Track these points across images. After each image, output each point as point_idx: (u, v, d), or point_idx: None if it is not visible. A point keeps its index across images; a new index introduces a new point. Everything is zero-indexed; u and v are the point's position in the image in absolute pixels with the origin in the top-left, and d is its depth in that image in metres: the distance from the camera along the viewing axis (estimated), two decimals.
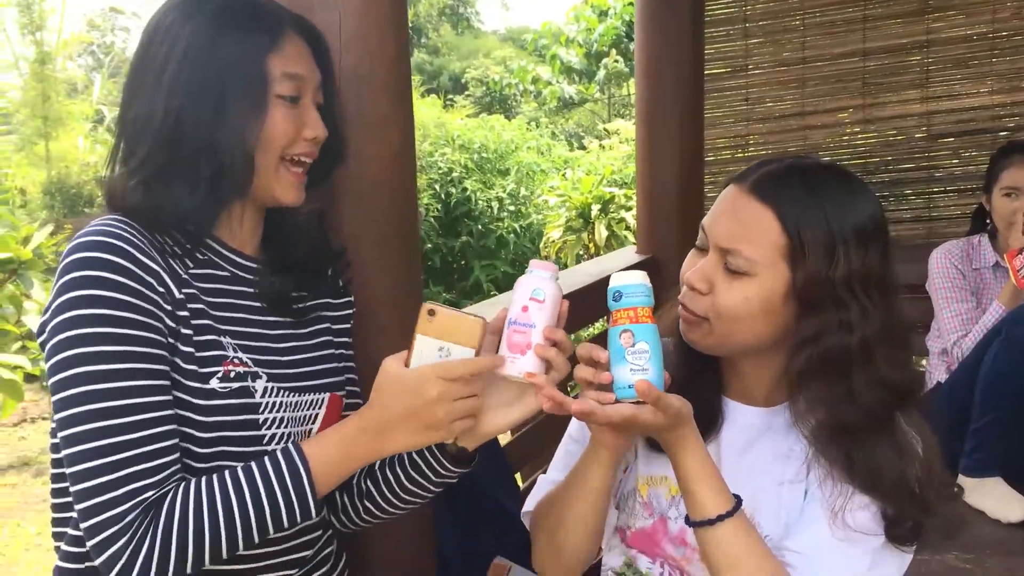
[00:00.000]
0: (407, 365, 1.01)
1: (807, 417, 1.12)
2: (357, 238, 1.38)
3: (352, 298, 1.30)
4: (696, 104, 3.25)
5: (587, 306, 2.83)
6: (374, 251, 1.40)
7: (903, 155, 3.54)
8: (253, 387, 1.08)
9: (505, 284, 11.72)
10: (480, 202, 11.98)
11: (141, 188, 1.05)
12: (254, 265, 1.16)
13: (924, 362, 3.03)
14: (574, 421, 1.31)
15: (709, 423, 1.20)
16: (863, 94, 3.53)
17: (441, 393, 0.98)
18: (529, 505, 1.28)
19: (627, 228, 9.79)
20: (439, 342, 1.00)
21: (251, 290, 1.15)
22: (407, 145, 1.44)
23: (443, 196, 11.98)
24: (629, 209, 9.81)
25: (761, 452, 1.19)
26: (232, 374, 1.07)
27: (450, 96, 21.49)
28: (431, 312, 1.00)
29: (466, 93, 23.72)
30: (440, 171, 12.05)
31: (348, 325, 1.29)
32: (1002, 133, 3.29)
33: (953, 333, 2.72)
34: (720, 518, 1.06)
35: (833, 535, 1.08)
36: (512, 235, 12.03)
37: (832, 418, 1.10)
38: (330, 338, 1.24)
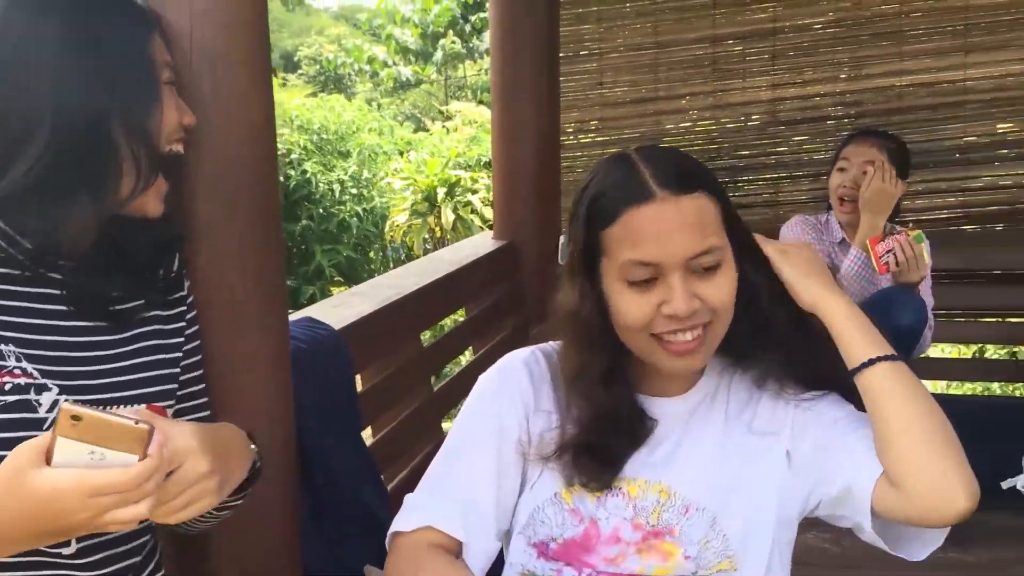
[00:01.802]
0: (48, 461, 0.80)
1: (772, 379, 1.17)
2: (215, 225, 1.24)
3: (186, 293, 1.17)
4: (552, 86, 3.21)
5: (447, 297, 2.75)
6: (234, 238, 1.27)
7: (752, 140, 3.62)
8: (37, 401, 0.96)
9: (348, 269, 11.47)
10: (321, 185, 11.67)
11: (34, 199, 0.94)
12: (61, 263, 1.01)
13: None
14: (467, 429, 1.21)
15: (640, 427, 1.16)
16: (714, 80, 3.59)
17: (88, 508, 0.80)
18: (398, 524, 1.16)
19: (473, 212, 9.76)
20: (90, 447, 0.80)
21: (56, 291, 1.01)
22: (268, 123, 1.32)
23: (282, 179, 11.60)
24: (476, 192, 9.78)
25: (702, 438, 1.18)
26: (8, 386, 0.95)
27: (283, 75, 20.88)
28: (75, 417, 0.79)
29: (299, 72, 23.12)
30: (278, 153, 11.67)
31: (183, 324, 1.16)
32: (845, 120, 3.40)
33: (849, 287, 2.75)
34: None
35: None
36: (355, 219, 11.79)
37: (792, 360, 1.16)
38: (158, 342, 1.11)
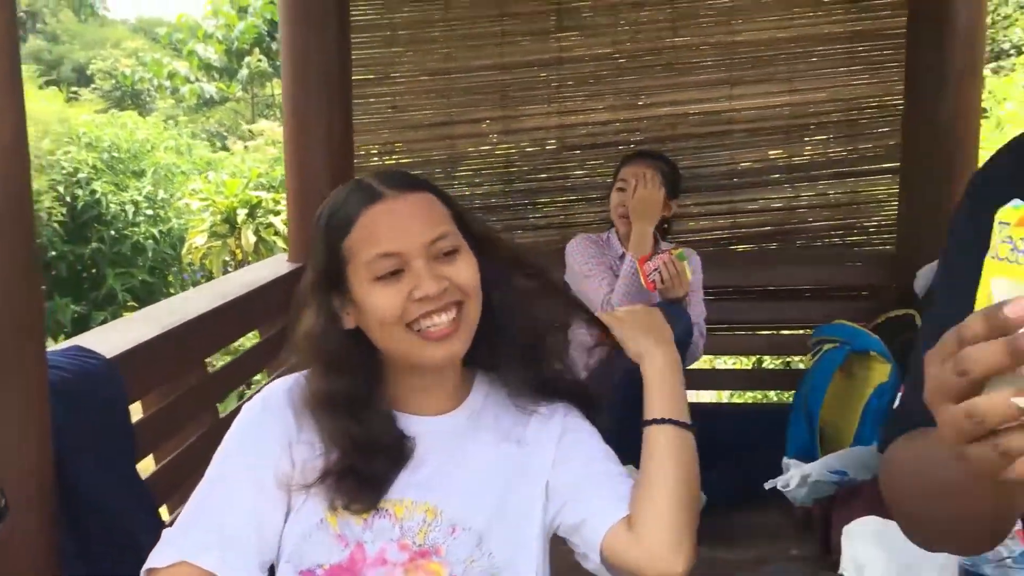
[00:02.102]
0: None
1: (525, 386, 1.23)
2: None
3: None
4: (344, 108, 3.21)
5: (239, 320, 2.70)
6: None
7: (540, 165, 3.74)
8: None
9: (145, 293, 10.93)
10: (112, 205, 11.08)
11: None
12: None
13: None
14: (242, 436, 1.19)
15: (400, 448, 1.17)
16: (503, 106, 3.69)
17: None
18: (152, 560, 1.11)
19: (276, 234, 9.55)
20: None
21: None
22: (18, 141, 1.26)
23: (68, 199, 10.92)
24: (278, 214, 9.57)
25: (469, 456, 1.20)
26: None
27: (74, 89, 19.73)
28: None
29: (92, 86, 21.89)
30: (64, 172, 10.97)
31: None
32: (627, 146, 3.58)
33: (600, 292, 2.90)
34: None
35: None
36: (151, 241, 11.26)
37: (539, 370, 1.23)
38: None
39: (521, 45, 3.64)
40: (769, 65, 3.55)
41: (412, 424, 1.20)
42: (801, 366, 4.85)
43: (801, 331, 3.60)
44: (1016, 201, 0.63)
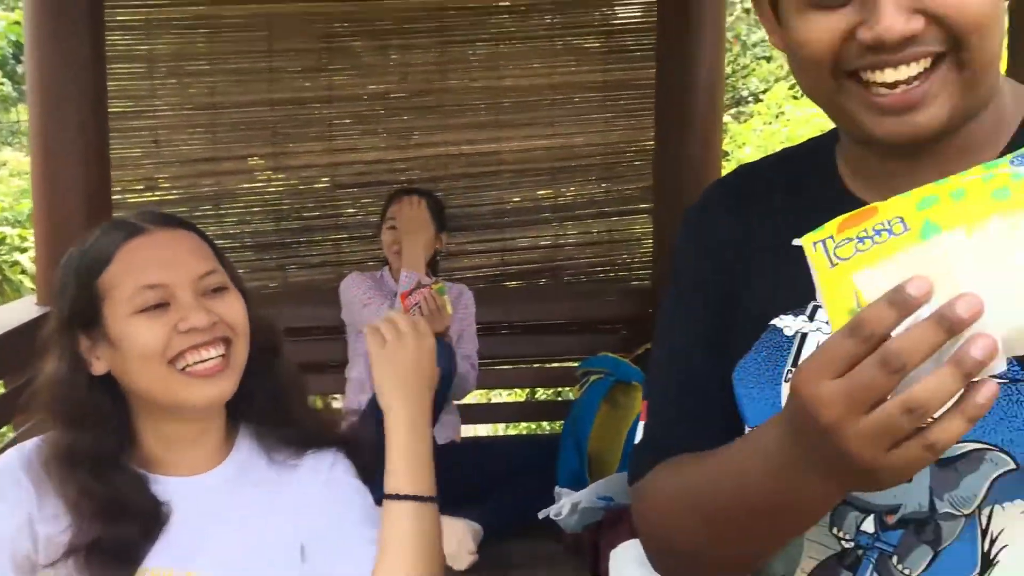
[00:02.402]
0: None
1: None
2: None
3: None
4: (100, 140, 3.05)
5: None
6: None
7: (311, 203, 3.71)
8: None
9: None
10: None
11: None
12: None
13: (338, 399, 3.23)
14: None
15: (153, 514, 1.10)
16: (273, 143, 3.63)
17: None
18: None
19: (23, 272, 8.81)
20: None
21: None
22: None
23: None
24: (25, 251, 8.84)
25: (232, 518, 1.14)
26: None
27: None
28: None
29: None
30: None
31: None
32: (394, 185, 3.61)
33: (383, 315, 2.92)
34: None
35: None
36: None
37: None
38: None
39: (291, 81, 3.59)
40: (533, 110, 3.71)
41: (170, 486, 1.14)
42: (571, 396, 5.07)
43: (569, 363, 3.75)
44: (810, 235, 0.66)
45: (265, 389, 1.20)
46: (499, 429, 6.30)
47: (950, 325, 0.55)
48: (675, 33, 3.47)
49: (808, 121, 7.94)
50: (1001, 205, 0.59)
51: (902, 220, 0.61)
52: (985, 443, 0.77)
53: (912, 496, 0.81)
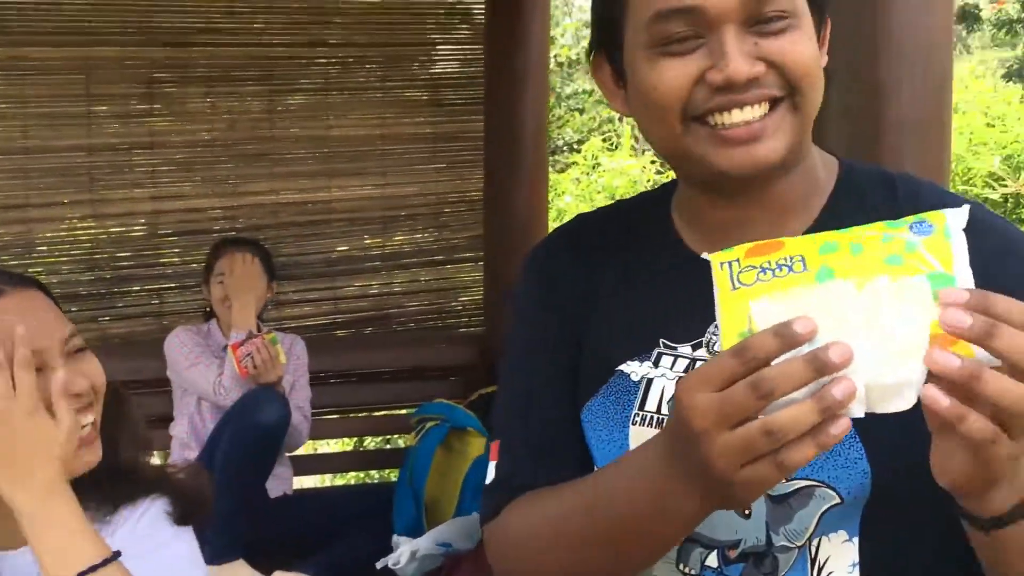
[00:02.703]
0: None
1: None
2: None
3: None
4: None
5: None
6: None
7: (132, 251, 3.57)
8: None
9: None
10: None
11: None
12: None
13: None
14: None
15: None
16: (91, 189, 3.48)
17: None
18: None
19: None
20: None
21: None
22: None
23: None
24: None
25: None
26: None
27: None
28: None
29: None
30: None
31: None
32: (219, 233, 3.53)
33: (209, 378, 2.89)
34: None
35: None
36: None
37: None
38: None
39: (110, 127, 3.47)
40: (363, 159, 3.74)
41: (4, 561, 1.08)
42: (401, 443, 5.05)
43: (402, 411, 3.77)
44: (721, 253, 0.72)
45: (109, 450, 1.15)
46: (325, 480, 6.18)
47: (820, 366, 0.62)
48: (501, 86, 3.61)
49: (623, 172, 8.35)
50: (890, 270, 0.66)
51: (803, 260, 0.68)
52: (814, 480, 0.86)
53: (751, 531, 0.89)
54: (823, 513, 0.86)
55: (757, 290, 0.68)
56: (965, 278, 0.66)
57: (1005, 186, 5.97)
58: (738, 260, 0.70)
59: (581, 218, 1.10)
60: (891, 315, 0.65)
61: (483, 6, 3.70)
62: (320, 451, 5.70)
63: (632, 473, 0.80)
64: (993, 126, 6.66)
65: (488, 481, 1.00)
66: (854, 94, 1.56)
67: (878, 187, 0.95)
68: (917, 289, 0.65)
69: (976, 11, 20.07)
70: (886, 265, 0.66)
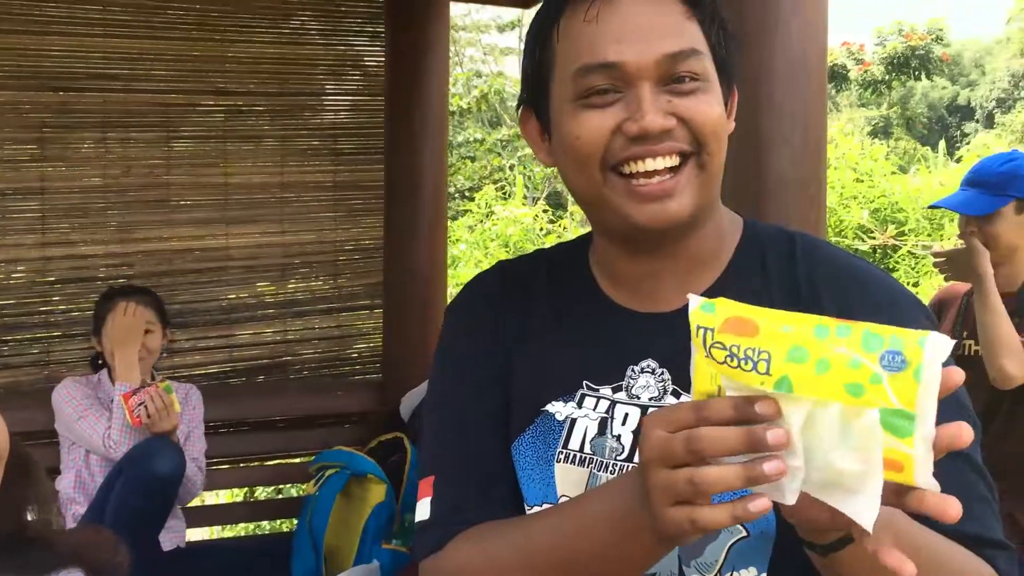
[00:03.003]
0: None
1: None
2: None
3: None
4: None
5: None
6: None
7: (19, 299, 3.46)
8: None
9: None
10: None
11: None
12: None
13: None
14: None
15: None
16: None
17: None
18: None
19: None
20: None
21: None
22: None
23: None
24: None
25: None
26: None
27: None
28: None
29: None
30: None
31: None
32: (111, 280, 3.46)
33: (98, 430, 2.83)
34: None
35: None
36: None
37: None
38: None
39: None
40: (263, 207, 3.74)
41: None
42: (294, 493, 4.98)
43: (298, 459, 3.73)
44: (694, 299, 0.73)
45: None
46: (214, 532, 6.01)
47: (755, 442, 0.67)
48: (401, 137, 3.67)
49: (516, 220, 8.51)
50: (848, 399, 0.66)
51: (768, 360, 0.68)
52: None
53: (665, 563, 0.95)
54: (731, 546, 0.94)
55: (724, 370, 0.71)
56: (927, 417, 0.66)
57: (873, 238, 6.36)
58: (712, 331, 0.71)
59: (503, 265, 1.16)
60: (838, 441, 0.67)
61: (380, 57, 3.77)
62: (208, 503, 5.55)
63: (603, 505, 0.85)
64: (862, 181, 7.09)
65: (423, 518, 1.02)
66: (740, 154, 1.69)
67: (779, 245, 1.04)
68: (867, 421, 0.66)
69: (844, 71, 21.29)
70: (845, 393, 0.67)
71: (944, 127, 28.18)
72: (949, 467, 0.83)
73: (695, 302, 0.73)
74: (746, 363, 0.69)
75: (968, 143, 18.54)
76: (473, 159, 13.28)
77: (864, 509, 0.67)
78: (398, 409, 3.44)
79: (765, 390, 0.68)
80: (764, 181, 1.77)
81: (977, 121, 26.37)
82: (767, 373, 0.68)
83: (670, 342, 0.95)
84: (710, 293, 0.89)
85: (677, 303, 0.96)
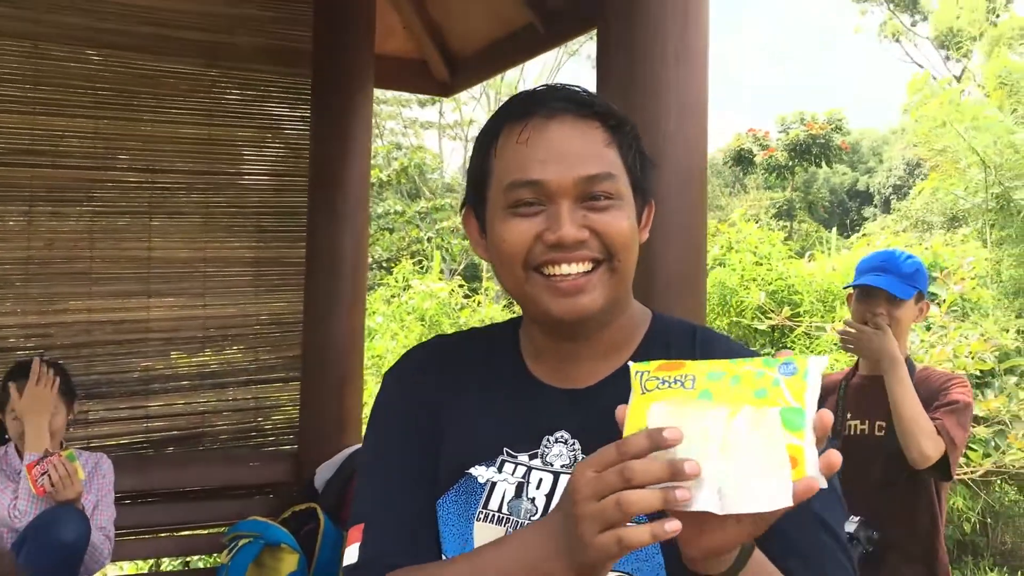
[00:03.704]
0: None
1: None
2: None
3: None
4: None
5: None
6: None
7: None
8: None
9: None
10: None
11: None
12: None
13: None
14: None
15: None
16: None
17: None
18: None
19: None
20: None
21: None
22: None
23: None
24: None
25: None
26: None
27: None
28: None
29: None
30: None
31: None
32: (26, 351, 3.48)
33: (5, 500, 2.86)
34: None
35: None
36: None
37: None
38: None
39: None
40: (185, 280, 3.83)
41: None
42: (201, 565, 4.94)
43: (208, 530, 3.75)
44: (639, 364, 0.89)
45: None
46: None
47: (675, 472, 0.80)
48: (324, 214, 3.82)
49: (432, 294, 8.65)
50: (755, 401, 0.83)
51: (693, 379, 0.86)
52: (623, 572, 1.08)
53: None
54: None
55: (655, 396, 0.86)
56: (812, 410, 0.82)
57: (770, 318, 6.69)
58: (648, 371, 0.88)
59: (441, 340, 1.32)
60: (750, 437, 0.81)
61: (305, 137, 3.93)
62: (112, 575, 5.44)
63: (514, 551, 0.97)
64: (761, 264, 7.46)
65: (351, 562, 1.12)
66: None
67: (682, 336, 1.20)
68: (771, 418, 0.81)
69: (751, 156, 22.21)
70: (753, 397, 0.83)
71: (845, 211, 29.44)
72: (814, 539, 1.02)
73: (633, 364, 0.91)
74: (675, 384, 0.86)
75: (864, 228, 19.43)
76: (392, 230, 13.42)
77: (778, 492, 0.80)
78: (312, 480, 3.52)
79: (691, 397, 0.84)
80: (653, 279, 1.99)
81: (875, 206, 27.56)
82: (692, 388, 0.85)
83: (582, 417, 1.13)
84: (618, 376, 1.10)
85: (591, 380, 1.15)
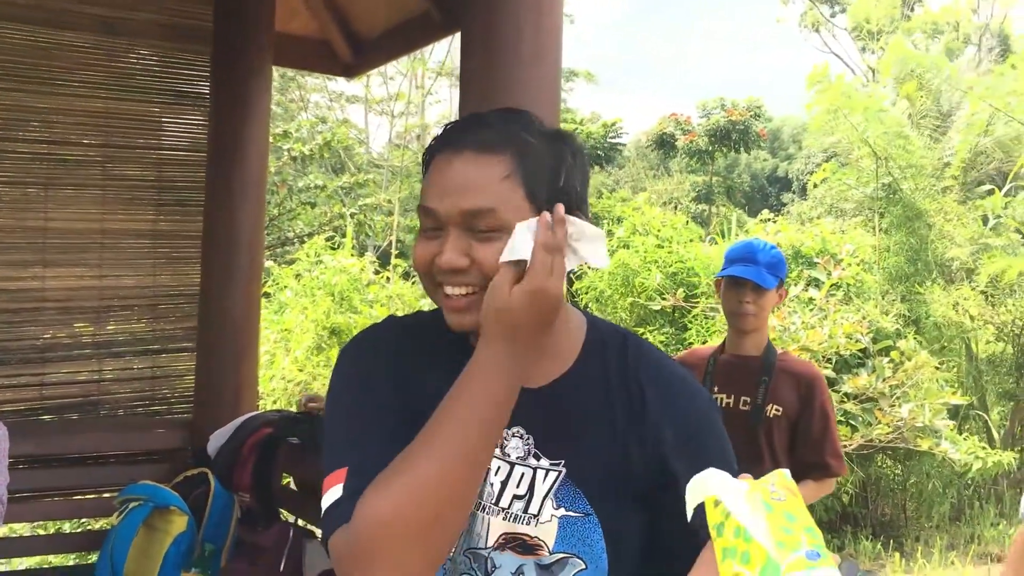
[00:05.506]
0: None
1: None
2: None
3: None
4: None
5: None
6: None
7: None
8: None
9: None
10: None
11: None
12: None
13: None
14: None
15: None
16: None
17: None
18: None
19: None
20: None
21: None
22: None
23: None
24: None
25: None
26: None
27: None
28: None
29: None
30: None
31: None
32: None
33: None
34: None
35: None
36: None
37: None
38: None
39: None
40: (81, 251, 3.90)
41: None
42: (96, 527, 5.01)
43: (107, 494, 3.85)
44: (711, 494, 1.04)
45: None
46: (15, 564, 5.88)
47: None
48: (222, 191, 3.92)
49: (343, 270, 8.75)
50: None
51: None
52: (569, 552, 1.24)
53: None
54: None
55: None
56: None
57: (665, 299, 6.97)
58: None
59: (392, 321, 1.39)
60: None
61: (204, 113, 4.02)
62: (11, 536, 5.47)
63: (482, 388, 1.13)
64: (662, 247, 7.74)
65: (332, 500, 1.16)
66: None
67: (615, 343, 1.32)
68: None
69: (672, 140, 22.59)
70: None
71: (764, 196, 30.14)
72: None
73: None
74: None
75: (786, 212, 19.96)
76: (314, 205, 13.36)
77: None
78: (205, 446, 3.65)
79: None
80: None
81: (794, 192, 28.28)
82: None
83: (536, 414, 1.26)
84: (567, 378, 1.28)
85: (543, 381, 1.28)
